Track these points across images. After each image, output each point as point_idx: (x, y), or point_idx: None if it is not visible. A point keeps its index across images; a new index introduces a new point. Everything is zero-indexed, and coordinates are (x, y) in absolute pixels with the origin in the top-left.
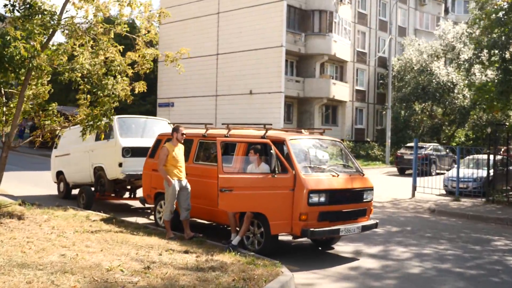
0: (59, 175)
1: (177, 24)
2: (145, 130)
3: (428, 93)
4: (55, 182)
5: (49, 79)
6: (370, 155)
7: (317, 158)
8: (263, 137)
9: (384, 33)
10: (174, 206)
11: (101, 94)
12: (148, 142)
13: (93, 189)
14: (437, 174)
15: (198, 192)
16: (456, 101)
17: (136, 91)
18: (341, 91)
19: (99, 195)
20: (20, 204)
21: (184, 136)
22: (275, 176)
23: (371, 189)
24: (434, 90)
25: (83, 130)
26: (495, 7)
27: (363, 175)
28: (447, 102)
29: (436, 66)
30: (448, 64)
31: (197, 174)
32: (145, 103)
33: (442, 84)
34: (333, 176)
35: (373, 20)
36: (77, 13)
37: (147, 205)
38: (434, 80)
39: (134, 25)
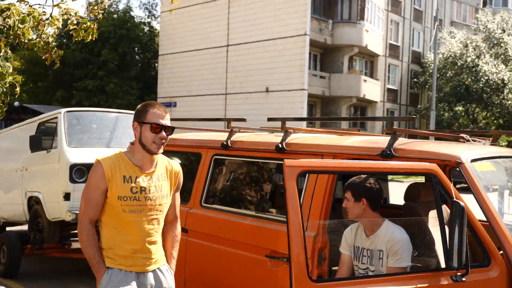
0: None
1: (181, 12)
2: (115, 134)
3: (472, 93)
4: None
5: None
6: None
7: None
8: (384, 154)
9: (418, 24)
10: None
11: None
12: None
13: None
14: None
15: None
16: (508, 103)
17: None
18: (372, 90)
19: (30, 248)
20: None
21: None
22: (460, 279)
23: None
24: (481, 91)
25: None
26: None
27: None
28: (494, 104)
29: (484, 62)
30: (494, 59)
31: (210, 235)
32: None
33: (491, 83)
34: None
35: (408, 8)
36: None
37: None
38: (482, 79)
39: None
